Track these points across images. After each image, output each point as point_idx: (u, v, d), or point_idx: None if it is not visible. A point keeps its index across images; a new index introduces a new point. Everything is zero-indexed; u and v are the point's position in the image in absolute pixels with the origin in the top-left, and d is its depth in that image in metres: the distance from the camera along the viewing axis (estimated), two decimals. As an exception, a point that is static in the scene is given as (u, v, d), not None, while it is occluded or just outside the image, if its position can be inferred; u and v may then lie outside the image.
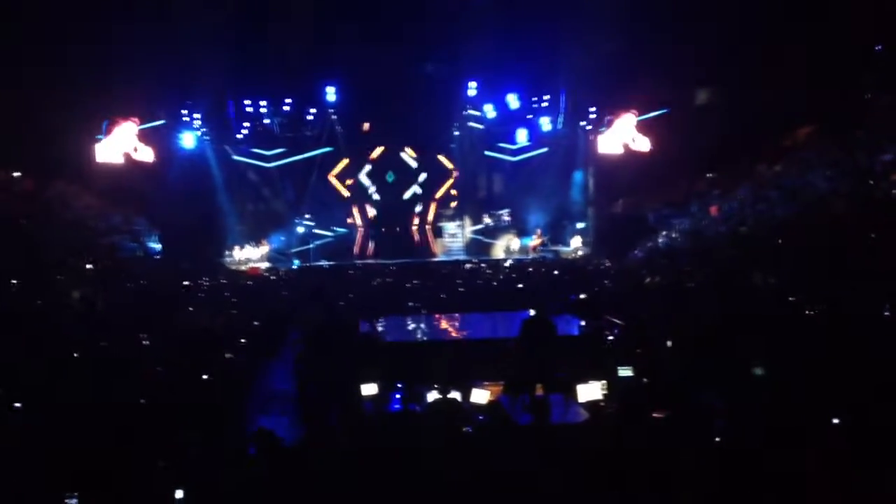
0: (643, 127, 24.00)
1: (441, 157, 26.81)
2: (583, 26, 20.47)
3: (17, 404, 7.12)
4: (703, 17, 19.60)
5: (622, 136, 24.39)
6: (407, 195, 26.93)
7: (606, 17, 19.95)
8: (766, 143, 21.19)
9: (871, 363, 7.05)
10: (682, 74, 21.98)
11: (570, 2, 20.82)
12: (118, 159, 22.27)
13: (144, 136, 22.75)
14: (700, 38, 20.00)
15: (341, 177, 26.60)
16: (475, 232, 26.79)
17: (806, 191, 17.85)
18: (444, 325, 13.21)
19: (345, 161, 26.36)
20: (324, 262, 24.71)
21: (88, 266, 16.62)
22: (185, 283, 17.56)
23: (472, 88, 24.89)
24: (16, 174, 19.29)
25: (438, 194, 27.04)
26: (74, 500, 5.14)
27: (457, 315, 14.03)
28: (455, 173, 26.93)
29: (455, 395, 8.18)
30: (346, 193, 26.67)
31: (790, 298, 11.21)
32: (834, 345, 7.98)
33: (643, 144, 23.90)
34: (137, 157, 22.46)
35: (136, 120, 22.41)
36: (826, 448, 5.22)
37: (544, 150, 26.44)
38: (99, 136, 21.89)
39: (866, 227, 13.99)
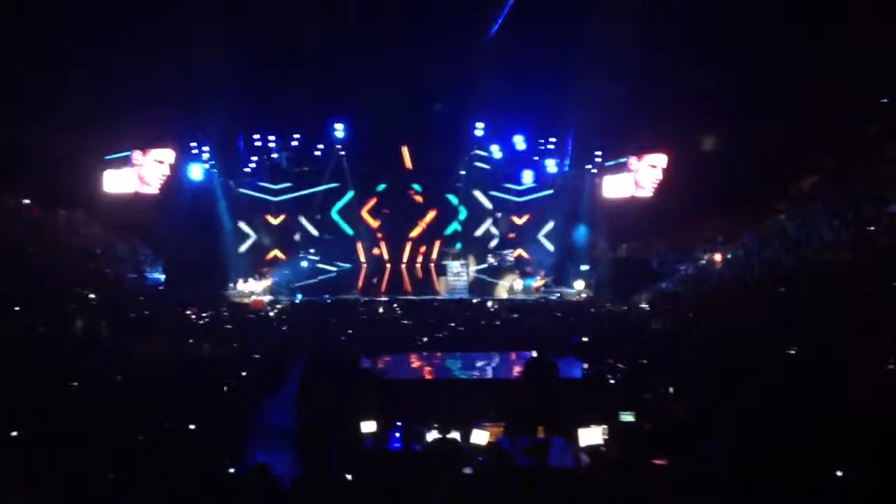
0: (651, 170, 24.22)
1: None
2: (590, 70, 20.68)
3: (14, 433, 7.10)
4: (709, 64, 19.81)
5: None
6: (479, 232, 27.16)
7: (614, 62, 20.17)
8: (771, 192, 21.29)
9: (874, 415, 7.01)
10: (688, 120, 22.17)
11: (578, 46, 21.06)
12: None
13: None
14: (705, 84, 20.20)
15: (347, 213, 26.72)
16: (479, 271, 26.80)
17: (810, 240, 17.88)
18: (445, 363, 13.14)
19: (350, 197, 26.51)
20: (327, 297, 24.70)
21: (92, 294, 16.63)
22: (188, 313, 17.55)
23: (479, 129, 25.11)
24: (25, 201, 19.40)
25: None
26: None
27: (458, 354, 13.96)
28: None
29: (455, 435, 8.14)
30: (350, 230, 26.77)
31: (791, 351, 11.16)
32: (837, 395, 7.94)
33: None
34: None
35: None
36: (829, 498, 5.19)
37: (550, 191, 26.64)
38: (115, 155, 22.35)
39: (870, 277, 13.97)
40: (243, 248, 26.01)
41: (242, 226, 26.00)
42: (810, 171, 20.87)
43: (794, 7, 18.57)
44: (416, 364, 12.93)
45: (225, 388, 9.90)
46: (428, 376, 12.01)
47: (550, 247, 26.95)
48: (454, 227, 27.08)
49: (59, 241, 19.40)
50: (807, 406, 7.63)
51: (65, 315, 13.97)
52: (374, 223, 26.72)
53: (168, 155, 22.92)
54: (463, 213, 26.98)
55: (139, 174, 22.67)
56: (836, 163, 19.57)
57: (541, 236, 27.15)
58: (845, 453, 5.92)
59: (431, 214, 26.98)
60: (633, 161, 24.51)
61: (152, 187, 22.68)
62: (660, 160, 24.42)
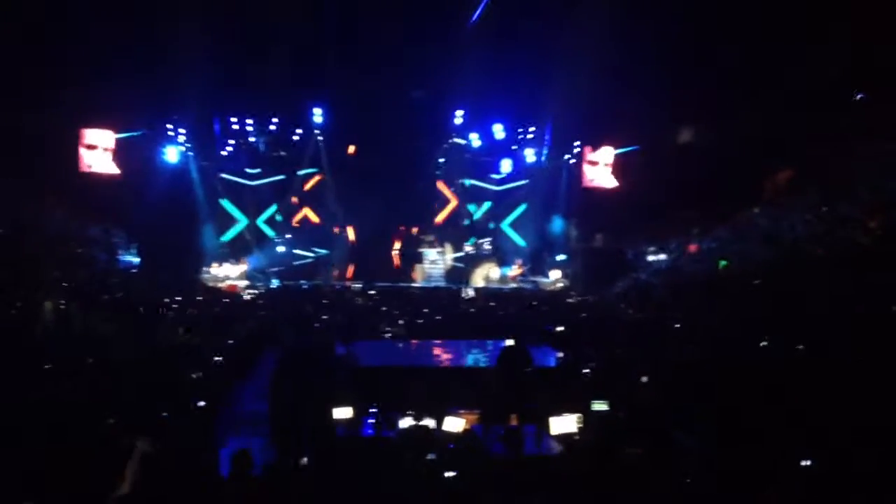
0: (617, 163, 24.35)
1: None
2: (570, 62, 20.71)
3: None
4: (688, 58, 19.91)
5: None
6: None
7: (593, 54, 20.18)
8: (746, 185, 21.45)
9: (844, 407, 7.11)
10: (665, 113, 22.28)
11: (558, 36, 21.08)
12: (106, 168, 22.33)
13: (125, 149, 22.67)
14: (684, 78, 20.30)
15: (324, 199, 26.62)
16: (456, 259, 26.82)
17: (784, 234, 18.06)
18: (420, 351, 13.16)
19: (320, 180, 26.40)
20: (303, 283, 24.61)
21: (64, 279, 16.44)
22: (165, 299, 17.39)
23: (458, 117, 25.06)
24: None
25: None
26: None
27: (434, 342, 13.98)
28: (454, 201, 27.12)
29: (429, 422, 8.14)
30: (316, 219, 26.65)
31: (762, 343, 11.27)
32: (808, 387, 8.04)
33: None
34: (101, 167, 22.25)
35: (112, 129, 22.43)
36: (795, 490, 5.26)
37: (527, 181, 26.68)
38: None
39: (843, 271, 14.15)
40: (230, 234, 25.86)
41: (229, 207, 25.81)
42: (785, 165, 21.06)
43: (772, 4, 18.73)
44: (390, 351, 12.93)
45: (198, 375, 9.81)
46: (403, 363, 12.00)
47: (527, 236, 26.99)
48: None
49: (31, 224, 19.10)
50: (778, 397, 7.73)
51: (36, 298, 13.79)
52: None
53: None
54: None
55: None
56: (810, 157, 19.75)
57: (518, 225, 27.19)
58: (814, 444, 6.00)
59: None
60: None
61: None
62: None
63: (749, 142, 20.34)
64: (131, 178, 22.73)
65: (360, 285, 23.94)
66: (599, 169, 24.54)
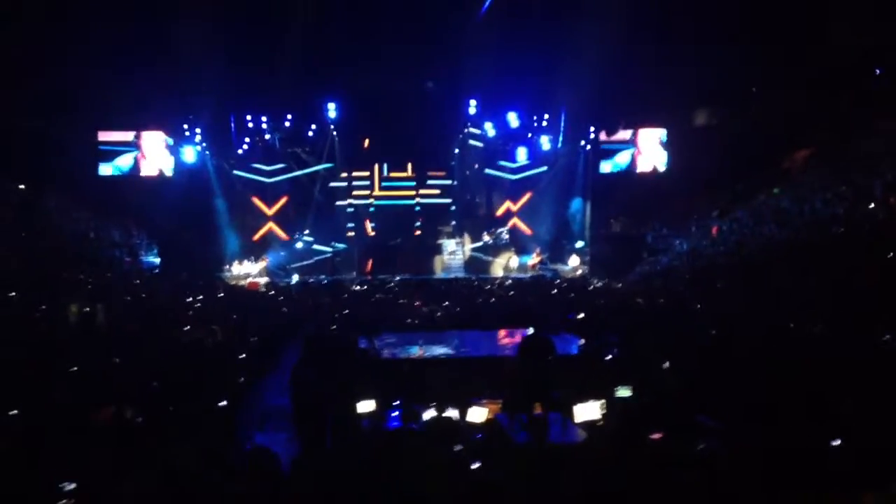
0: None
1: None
2: (584, 47, 20.58)
3: (13, 412, 7.11)
4: (704, 40, 19.73)
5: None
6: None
7: (607, 39, 20.05)
8: (766, 166, 21.28)
9: (869, 387, 7.05)
10: (682, 96, 22.12)
11: (571, 22, 20.94)
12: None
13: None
14: (700, 60, 20.13)
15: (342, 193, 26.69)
16: (474, 249, 26.78)
17: (804, 213, 17.89)
18: (442, 342, 13.16)
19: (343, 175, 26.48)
20: (323, 278, 24.69)
21: (87, 279, 16.62)
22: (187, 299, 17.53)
23: (472, 106, 24.96)
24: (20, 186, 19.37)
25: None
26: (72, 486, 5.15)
27: (455, 332, 13.99)
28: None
29: (453, 413, 8.15)
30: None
31: (790, 325, 11.18)
32: (832, 368, 7.97)
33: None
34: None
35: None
36: (825, 470, 5.21)
37: (544, 168, 26.56)
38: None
39: (864, 250, 14.01)
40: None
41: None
42: (803, 145, 20.86)
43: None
44: (412, 343, 12.94)
45: (222, 371, 9.88)
46: (425, 355, 12.03)
47: (543, 223, 26.87)
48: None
49: (53, 225, 19.31)
50: (802, 379, 7.67)
51: (60, 299, 13.95)
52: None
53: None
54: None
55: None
56: (829, 136, 19.55)
57: (533, 213, 27.08)
58: (840, 426, 5.95)
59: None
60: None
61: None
62: (660, 134, 24.58)
63: (768, 121, 20.15)
64: (150, 179, 22.99)
65: (379, 278, 23.98)
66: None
